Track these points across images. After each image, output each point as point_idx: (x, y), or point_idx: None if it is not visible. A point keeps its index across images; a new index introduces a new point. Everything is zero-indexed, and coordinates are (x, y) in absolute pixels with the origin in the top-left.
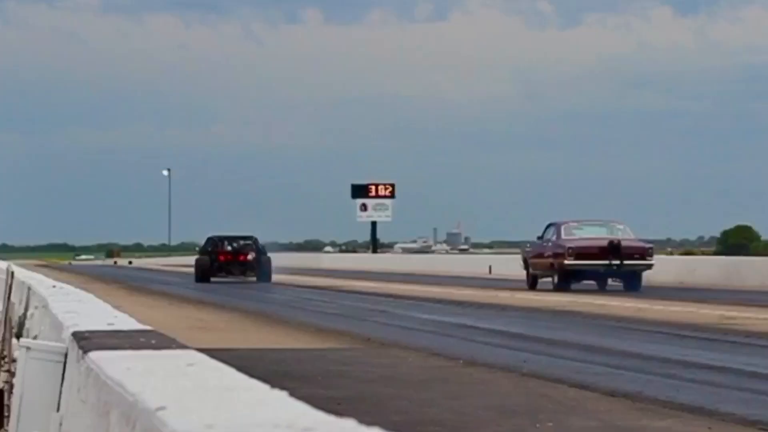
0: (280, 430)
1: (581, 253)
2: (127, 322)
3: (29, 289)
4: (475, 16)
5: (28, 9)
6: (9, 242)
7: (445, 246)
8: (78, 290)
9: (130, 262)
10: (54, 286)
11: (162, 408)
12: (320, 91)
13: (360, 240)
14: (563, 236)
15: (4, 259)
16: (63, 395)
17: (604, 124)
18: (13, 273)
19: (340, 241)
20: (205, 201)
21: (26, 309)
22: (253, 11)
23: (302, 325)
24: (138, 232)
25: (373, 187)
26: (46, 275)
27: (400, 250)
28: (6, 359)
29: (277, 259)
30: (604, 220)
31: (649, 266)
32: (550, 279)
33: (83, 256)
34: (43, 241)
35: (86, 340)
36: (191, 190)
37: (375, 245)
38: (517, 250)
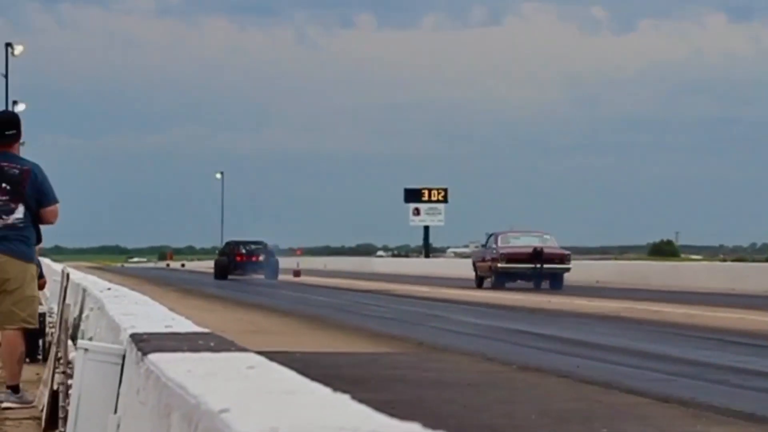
0: None
1: (511, 258)
2: (184, 325)
3: (84, 291)
4: (530, 21)
5: (82, 11)
6: (62, 244)
7: None
8: (133, 292)
9: (183, 265)
10: (109, 289)
11: (225, 410)
12: (374, 96)
13: (412, 244)
14: (499, 244)
15: (56, 261)
16: (121, 397)
17: (658, 130)
18: (68, 275)
19: (392, 245)
20: (258, 204)
21: (81, 311)
22: (308, 15)
23: (355, 329)
24: (190, 234)
25: (426, 192)
26: (100, 277)
27: (453, 255)
28: (61, 360)
29: (330, 262)
30: (535, 231)
31: (567, 269)
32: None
33: (135, 259)
34: (95, 244)
35: (145, 342)
36: (244, 192)
37: (428, 250)
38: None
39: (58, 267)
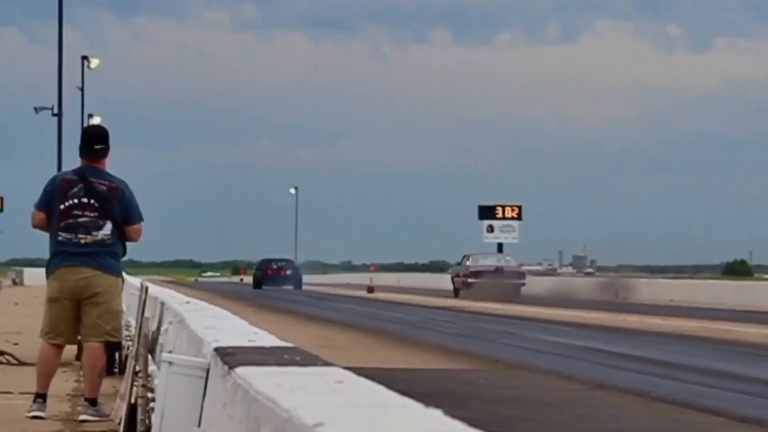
0: None
1: (476, 274)
2: (267, 339)
3: (162, 304)
4: (604, 38)
5: (158, 25)
6: (136, 258)
7: (570, 269)
8: (212, 306)
9: None
10: (188, 302)
11: (320, 424)
12: (448, 112)
13: None
14: (470, 263)
15: (131, 274)
16: (204, 410)
17: (732, 148)
18: (147, 288)
19: None
20: (332, 219)
21: (159, 324)
22: (383, 31)
23: (430, 345)
24: (264, 249)
25: (501, 209)
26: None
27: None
28: (140, 374)
29: (404, 278)
30: (498, 254)
31: (523, 284)
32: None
33: (209, 273)
34: (169, 258)
35: (230, 356)
36: (318, 207)
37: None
38: (644, 274)
39: (134, 281)
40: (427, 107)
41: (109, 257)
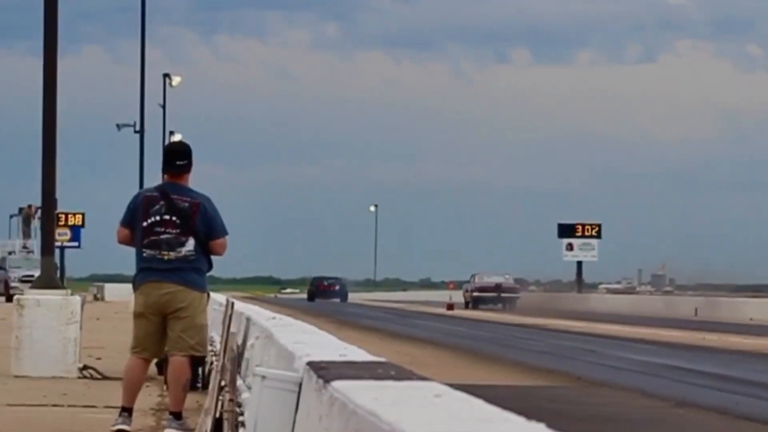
0: None
1: (480, 289)
2: (358, 354)
3: (248, 320)
4: (685, 58)
5: (239, 43)
6: (215, 274)
7: (649, 287)
8: (298, 322)
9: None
10: (274, 318)
11: None
12: (527, 131)
13: (564, 279)
14: (475, 280)
15: (211, 291)
16: (297, 424)
17: None
18: (233, 304)
19: (544, 280)
20: (411, 237)
21: (245, 339)
22: (464, 50)
23: (512, 362)
24: (343, 266)
25: (580, 227)
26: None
27: (605, 291)
28: (226, 389)
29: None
30: (500, 272)
31: (517, 297)
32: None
33: (288, 290)
34: (249, 274)
35: (324, 370)
36: (397, 225)
37: (580, 285)
38: (724, 293)
39: (219, 297)
40: (506, 126)
41: (193, 273)
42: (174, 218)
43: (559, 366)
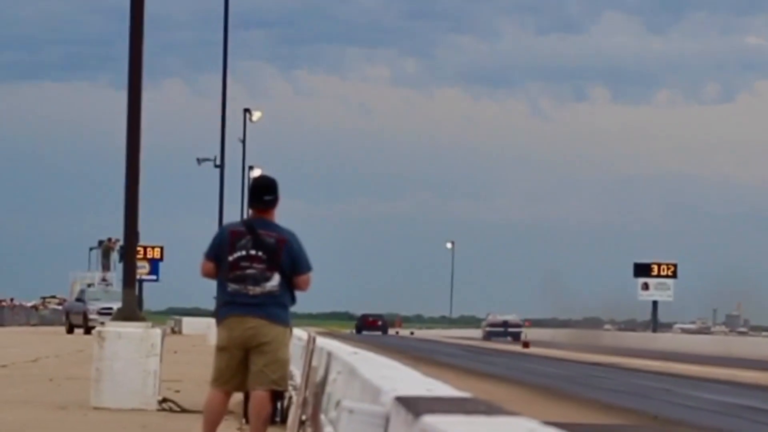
0: None
1: (492, 325)
2: (444, 389)
3: (329, 354)
4: (764, 98)
5: (318, 78)
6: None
7: (723, 328)
8: (379, 357)
9: (412, 333)
10: (355, 353)
11: None
12: (604, 169)
13: (639, 319)
14: (489, 319)
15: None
16: None
17: None
18: (314, 339)
19: (619, 319)
20: (487, 274)
21: (326, 374)
22: (542, 87)
23: (587, 401)
24: (419, 303)
25: (656, 267)
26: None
27: (680, 331)
28: (307, 422)
29: (558, 334)
30: (508, 313)
31: (521, 332)
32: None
33: None
34: (325, 309)
35: (413, 405)
36: (473, 262)
37: (655, 325)
38: None
39: (300, 332)
40: (583, 164)
41: (276, 308)
42: (260, 253)
43: (635, 405)
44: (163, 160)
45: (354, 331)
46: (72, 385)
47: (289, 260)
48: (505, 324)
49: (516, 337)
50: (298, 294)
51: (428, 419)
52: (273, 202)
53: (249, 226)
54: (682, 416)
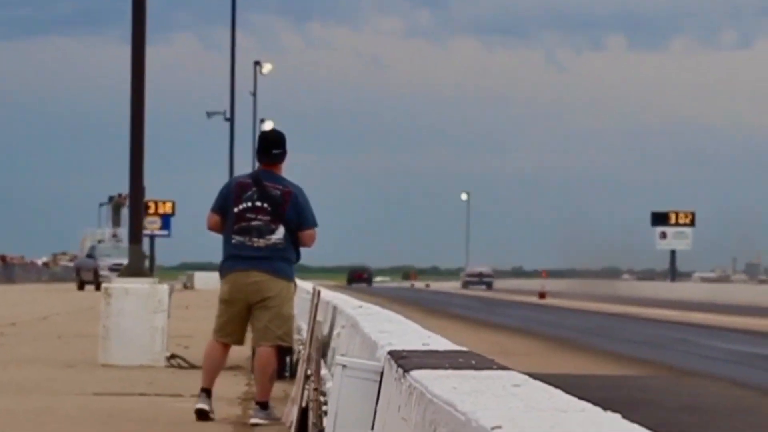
0: None
1: (469, 275)
2: (441, 343)
3: (335, 308)
4: None
5: (331, 31)
6: (306, 263)
7: (743, 276)
8: (385, 310)
9: (427, 285)
10: (360, 306)
11: (497, 427)
12: (622, 118)
13: (658, 268)
14: (467, 270)
15: (300, 279)
16: (378, 413)
17: None
18: (319, 292)
19: (637, 268)
20: (503, 225)
21: (332, 328)
22: (558, 37)
23: (603, 352)
24: (435, 255)
25: (674, 215)
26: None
27: (699, 279)
28: (311, 378)
29: (575, 284)
30: (482, 264)
31: (492, 281)
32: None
33: (379, 278)
34: (339, 263)
35: (405, 359)
36: (489, 213)
37: (674, 274)
38: None
39: (306, 285)
40: (600, 114)
41: (281, 262)
42: (266, 205)
43: (651, 355)
44: (174, 115)
45: (347, 283)
46: (81, 343)
47: (294, 214)
48: (480, 274)
49: (489, 285)
50: (305, 250)
51: (416, 374)
52: (281, 156)
53: (255, 178)
54: (698, 366)
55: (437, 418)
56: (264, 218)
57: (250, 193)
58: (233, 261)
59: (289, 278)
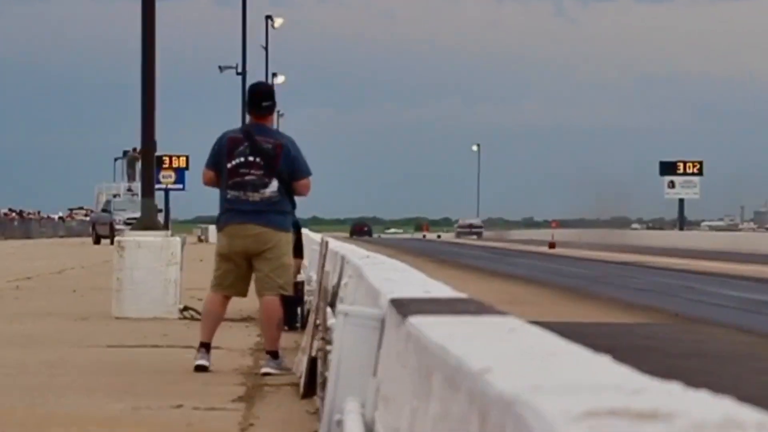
0: (607, 392)
1: (461, 227)
2: (443, 290)
3: (343, 258)
4: None
5: None
6: (319, 215)
7: (752, 224)
8: (391, 260)
9: (439, 236)
10: (367, 256)
11: (487, 370)
12: (630, 69)
13: (667, 217)
14: (459, 222)
15: (314, 231)
16: (380, 360)
17: None
18: (327, 243)
19: (646, 218)
20: (514, 176)
21: (340, 278)
22: None
23: (611, 300)
24: (446, 206)
25: (682, 165)
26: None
27: (707, 228)
28: (320, 327)
29: (585, 234)
30: (473, 216)
31: (481, 231)
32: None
33: (392, 230)
34: (352, 215)
35: (405, 306)
36: (500, 165)
37: (682, 222)
38: None
39: (315, 236)
40: (609, 65)
41: (276, 215)
42: (258, 159)
43: (657, 303)
44: (188, 70)
45: (350, 236)
46: (95, 296)
47: (287, 166)
48: (470, 225)
49: (479, 235)
50: (314, 200)
51: (413, 320)
52: (270, 108)
53: (247, 132)
54: (704, 314)
55: (432, 364)
56: (257, 172)
57: (242, 148)
58: (229, 215)
59: (286, 229)
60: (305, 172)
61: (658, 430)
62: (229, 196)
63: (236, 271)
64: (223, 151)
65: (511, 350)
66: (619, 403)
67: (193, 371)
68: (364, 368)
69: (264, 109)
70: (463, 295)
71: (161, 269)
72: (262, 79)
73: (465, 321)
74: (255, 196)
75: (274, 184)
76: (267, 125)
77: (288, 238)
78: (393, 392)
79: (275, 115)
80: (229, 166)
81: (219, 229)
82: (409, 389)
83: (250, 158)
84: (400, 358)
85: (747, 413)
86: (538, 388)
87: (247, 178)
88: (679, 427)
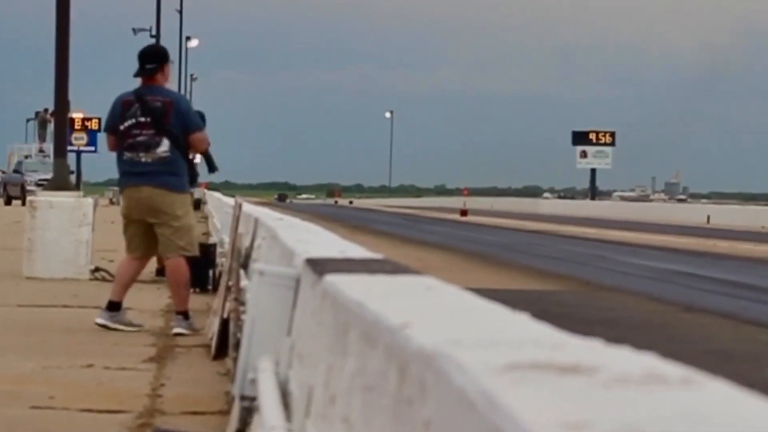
0: (529, 347)
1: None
2: (358, 251)
3: (256, 221)
4: None
5: None
6: (232, 180)
7: (663, 195)
8: (304, 222)
9: (351, 202)
10: (281, 219)
11: (406, 325)
12: (544, 38)
13: (578, 187)
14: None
15: (225, 195)
16: (295, 320)
17: None
18: (241, 205)
19: (558, 187)
20: (426, 144)
21: (253, 240)
22: None
23: (522, 268)
24: (359, 173)
25: (594, 135)
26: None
27: (619, 198)
28: (233, 289)
29: (497, 203)
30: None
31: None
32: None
33: (304, 195)
34: (265, 180)
35: (320, 266)
36: (413, 132)
37: (594, 192)
38: (736, 201)
39: (228, 199)
40: (523, 33)
41: (170, 176)
42: (148, 119)
43: (569, 271)
44: (100, 32)
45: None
46: (6, 256)
47: (178, 122)
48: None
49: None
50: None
51: (330, 278)
52: (155, 70)
53: (138, 94)
54: (615, 282)
55: (349, 320)
56: (148, 132)
57: (133, 109)
58: (126, 177)
59: (182, 190)
60: (197, 125)
61: (581, 382)
62: (124, 158)
63: (139, 233)
64: (116, 113)
65: (430, 307)
66: (542, 357)
67: (97, 328)
68: (278, 327)
69: (148, 71)
70: (378, 256)
71: (73, 230)
72: (176, 42)
73: (381, 280)
74: (147, 157)
75: (165, 143)
76: (156, 85)
77: (185, 198)
78: (308, 350)
79: (173, 76)
80: (122, 128)
81: (120, 192)
82: (324, 347)
83: (141, 119)
84: (316, 316)
85: (670, 368)
86: (458, 342)
87: (139, 138)
88: (602, 380)
